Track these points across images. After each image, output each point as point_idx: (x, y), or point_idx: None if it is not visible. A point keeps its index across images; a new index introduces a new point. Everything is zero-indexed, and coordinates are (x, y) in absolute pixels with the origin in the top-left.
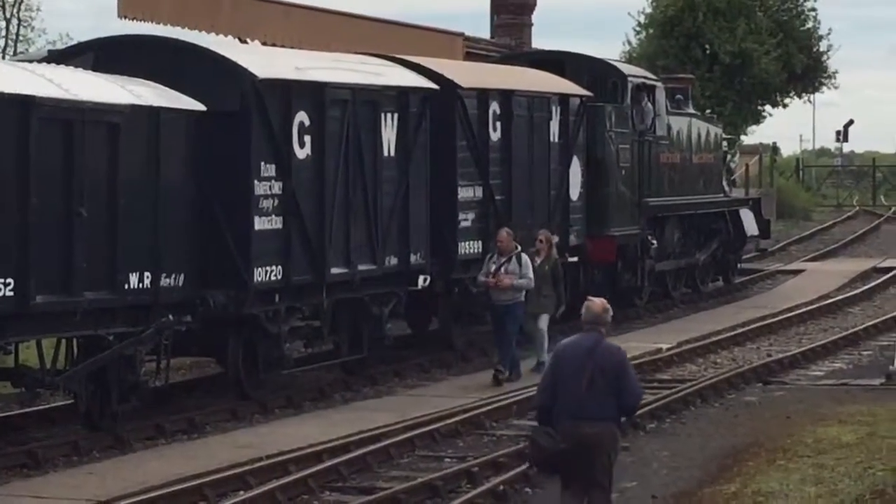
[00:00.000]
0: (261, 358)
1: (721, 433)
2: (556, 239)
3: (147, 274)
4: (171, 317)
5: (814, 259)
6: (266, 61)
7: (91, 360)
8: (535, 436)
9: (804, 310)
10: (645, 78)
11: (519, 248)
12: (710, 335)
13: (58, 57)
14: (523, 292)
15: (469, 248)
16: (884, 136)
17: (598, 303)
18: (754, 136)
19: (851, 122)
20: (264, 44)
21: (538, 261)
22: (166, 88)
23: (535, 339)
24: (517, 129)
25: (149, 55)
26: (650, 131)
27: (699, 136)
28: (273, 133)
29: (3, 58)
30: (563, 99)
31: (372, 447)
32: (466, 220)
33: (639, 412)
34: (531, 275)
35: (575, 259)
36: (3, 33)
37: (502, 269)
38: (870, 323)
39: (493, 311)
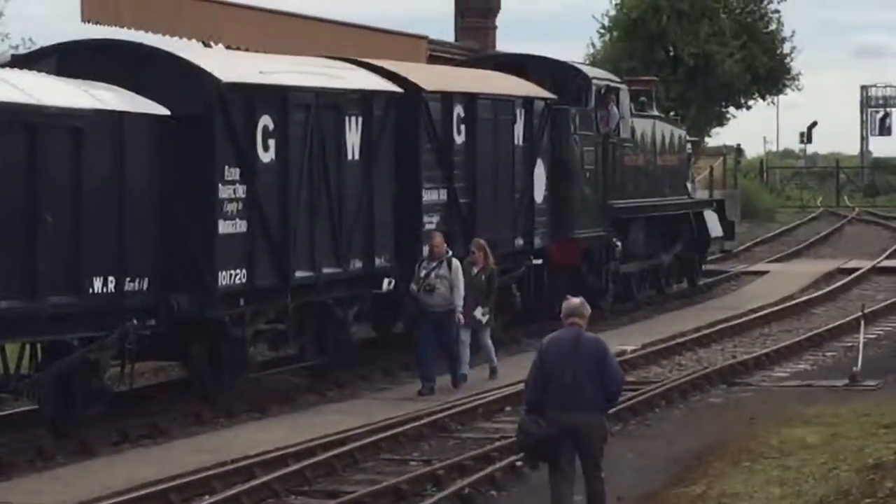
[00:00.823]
0: (225, 362)
1: (686, 435)
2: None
3: (111, 278)
4: (135, 321)
5: (778, 260)
6: (229, 65)
7: (55, 365)
8: (523, 424)
9: (768, 311)
10: (609, 80)
11: (450, 252)
12: (674, 337)
13: (21, 61)
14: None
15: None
16: (847, 137)
17: (575, 299)
18: (718, 137)
19: (815, 123)
20: (228, 47)
21: (474, 270)
22: (130, 93)
23: (482, 352)
24: (481, 132)
25: (112, 59)
26: (615, 134)
27: (663, 138)
28: (237, 137)
29: None
30: (528, 102)
31: (337, 451)
32: (431, 222)
33: None
34: (461, 284)
35: (540, 261)
36: None
37: (432, 275)
38: (834, 324)
39: (426, 319)
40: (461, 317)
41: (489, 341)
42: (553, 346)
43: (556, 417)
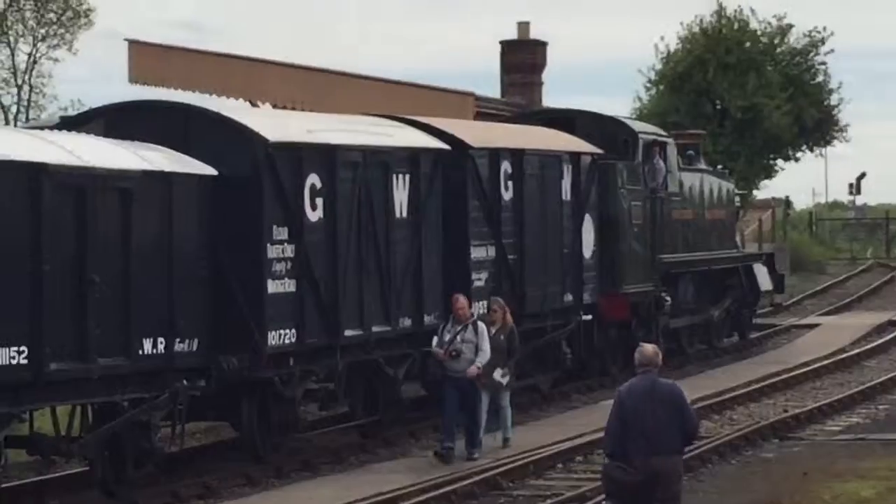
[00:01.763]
0: (275, 421)
1: (738, 490)
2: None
3: (161, 339)
4: (185, 382)
5: (829, 313)
6: (277, 124)
7: (106, 427)
8: (609, 471)
9: (820, 364)
10: (656, 134)
11: (475, 315)
12: (726, 391)
13: (70, 123)
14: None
15: (483, 307)
16: None
17: (649, 347)
18: (767, 190)
19: (864, 174)
20: (275, 106)
21: (493, 330)
22: (177, 153)
23: (499, 415)
24: (529, 187)
25: (159, 120)
26: (662, 188)
27: (711, 191)
28: (285, 196)
29: (16, 124)
30: (575, 157)
31: None
32: (480, 279)
33: None
34: (487, 346)
35: (589, 317)
36: (15, 99)
37: (458, 339)
38: (886, 377)
39: (450, 384)
40: (473, 370)
41: (508, 405)
42: (630, 393)
43: (640, 463)
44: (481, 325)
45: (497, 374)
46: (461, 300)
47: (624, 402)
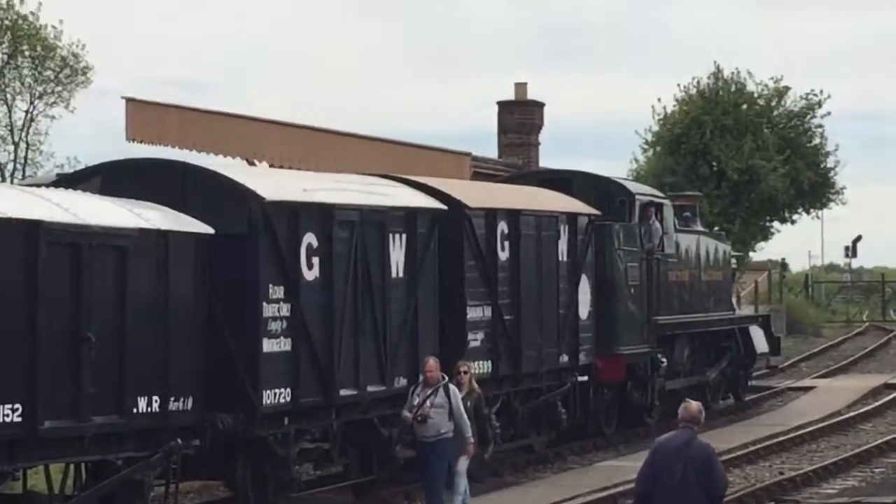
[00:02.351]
0: (270, 481)
1: None
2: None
3: (156, 398)
4: (179, 440)
5: (824, 375)
6: (273, 183)
7: (99, 486)
8: None
9: (816, 427)
10: (653, 196)
11: (445, 378)
12: (721, 453)
13: (66, 181)
14: (450, 427)
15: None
16: (893, 250)
17: (694, 405)
18: (763, 252)
19: (860, 237)
20: (272, 165)
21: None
22: (174, 211)
23: (453, 481)
24: (525, 248)
25: (156, 178)
26: (659, 249)
27: (708, 253)
28: (281, 255)
29: (12, 182)
30: (571, 218)
31: None
32: (476, 339)
33: None
34: (463, 411)
35: (585, 378)
36: (12, 157)
37: (427, 403)
38: (882, 440)
39: (419, 449)
40: (470, 449)
41: (464, 472)
42: (665, 446)
43: None
44: (453, 388)
45: None
46: (430, 362)
47: (657, 452)
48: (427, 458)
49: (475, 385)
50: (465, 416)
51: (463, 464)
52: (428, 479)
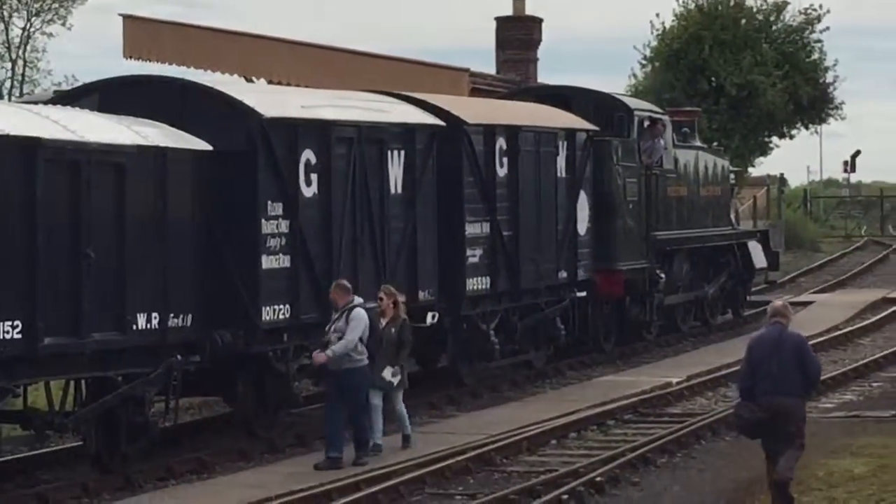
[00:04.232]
0: (270, 397)
1: (732, 467)
2: (402, 297)
3: (155, 314)
4: (179, 357)
5: (823, 290)
6: (272, 100)
7: (100, 402)
8: (739, 410)
9: (814, 342)
10: (651, 111)
11: (354, 301)
12: (719, 368)
13: (63, 98)
14: (364, 355)
15: (477, 284)
16: (891, 166)
17: (779, 301)
18: (761, 167)
19: (858, 152)
20: (270, 82)
21: (383, 322)
22: (172, 128)
23: (394, 418)
24: (524, 164)
25: (154, 95)
26: (657, 165)
27: (706, 168)
28: (280, 172)
29: (10, 99)
30: (570, 134)
31: (382, 485)
32: (474, 256)
33: (649, 446)
34: (354, 335)
35: (583, 294)
36: (10, 74)
37: (331, 328)
38: (880, 354)
39: (328, 380)
40: (320, 357)
41: (402, 406)
42: (759, 341)
43: (765, 402)
44: (358, 311)
45: (387, 373)
46: (333, 286)
47: (752, 350)
48: (336, 389)
49: (401, 312)
50: (349, 340)
51: (398, 402)
52: (330, 415)
